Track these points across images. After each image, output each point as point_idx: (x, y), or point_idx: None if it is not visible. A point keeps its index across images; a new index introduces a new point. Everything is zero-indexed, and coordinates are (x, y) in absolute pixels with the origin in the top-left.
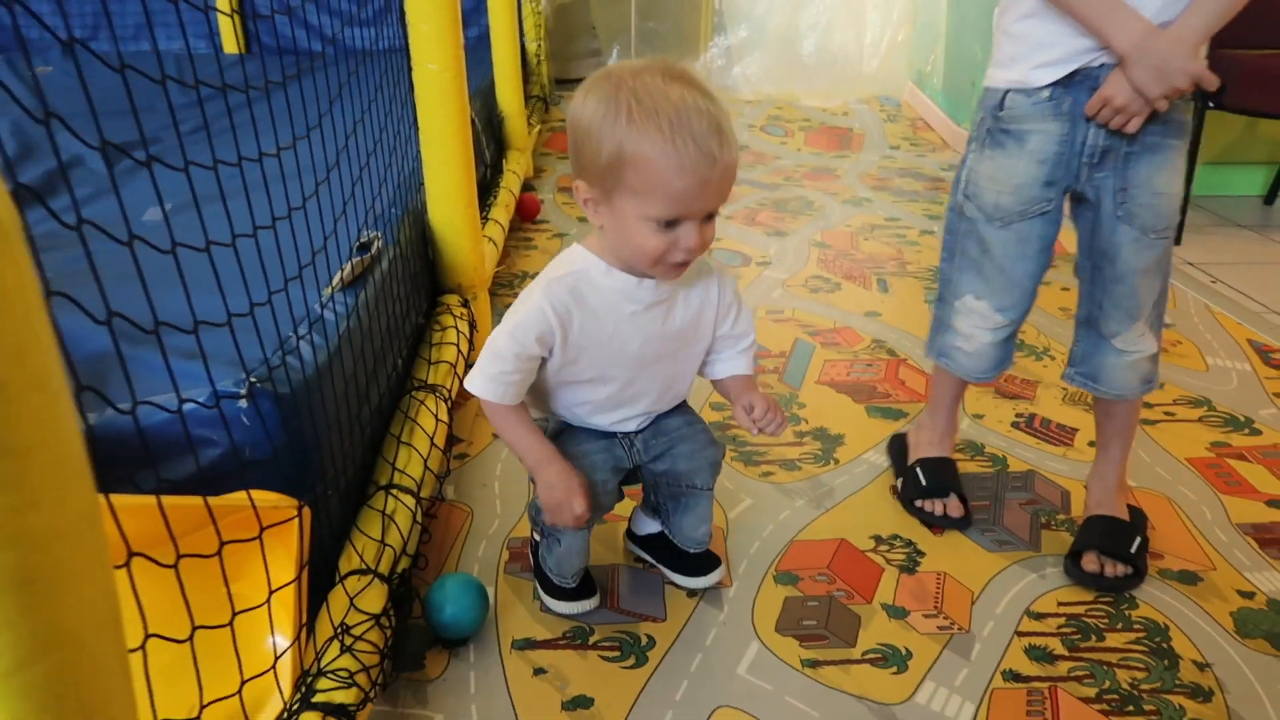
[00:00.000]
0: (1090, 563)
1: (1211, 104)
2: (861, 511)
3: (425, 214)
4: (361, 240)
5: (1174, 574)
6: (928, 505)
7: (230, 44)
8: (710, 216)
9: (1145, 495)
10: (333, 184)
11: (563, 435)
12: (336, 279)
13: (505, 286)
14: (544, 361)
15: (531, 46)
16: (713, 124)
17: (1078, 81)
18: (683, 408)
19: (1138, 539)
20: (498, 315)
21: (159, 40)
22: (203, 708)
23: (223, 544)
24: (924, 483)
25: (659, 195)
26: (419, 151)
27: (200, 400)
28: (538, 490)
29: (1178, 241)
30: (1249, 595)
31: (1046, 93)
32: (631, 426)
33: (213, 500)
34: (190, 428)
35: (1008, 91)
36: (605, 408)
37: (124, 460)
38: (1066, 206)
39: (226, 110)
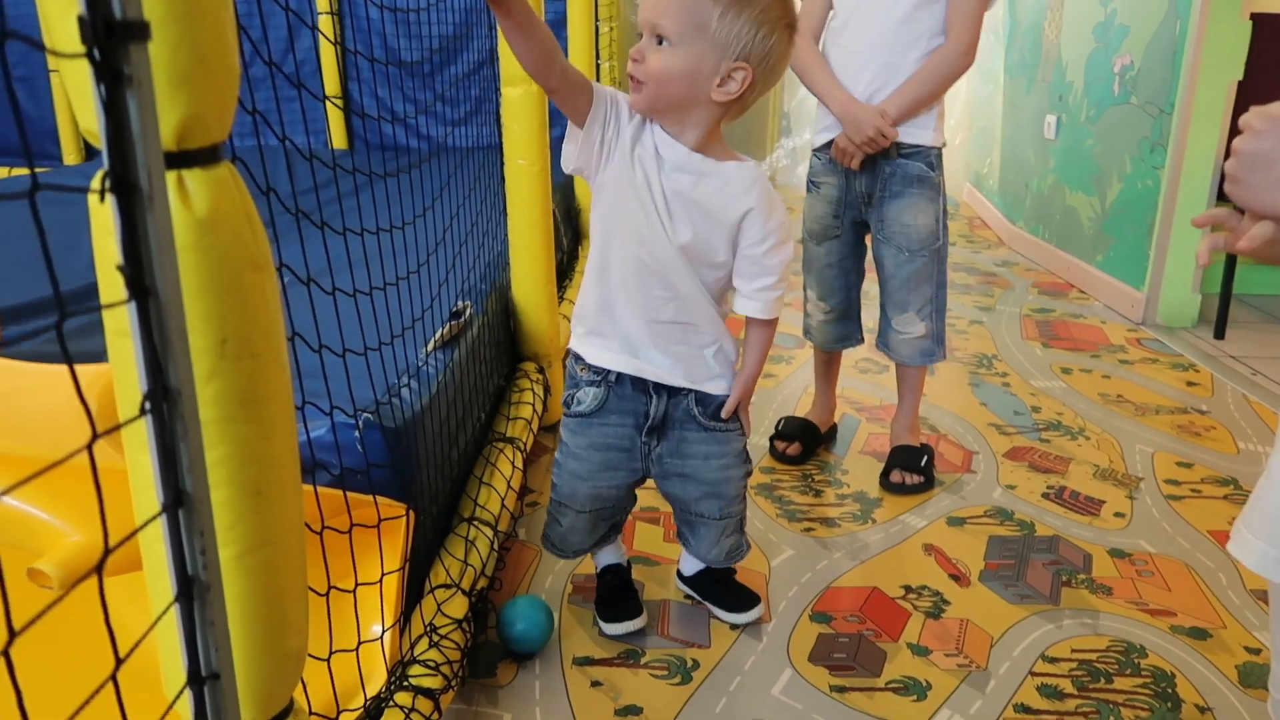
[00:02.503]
0: (895, 476)
1: None
2: (894, 565)
3: (510, 290)
4: (456, 308)
5: (1185, 630)
6: (779, 445)
7: (337, 140)
8: (660, 41)
9: (1164, 561)
10: (433, 260)
11: (588, 431)
12: (435, 338)
13: None
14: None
15: None
16: None
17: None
18: (714, 436)
19: (925, 458)
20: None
21: (271, 136)
22: (330, 654)
23: (352, 525)
24: (779, 428)
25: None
26: (506, 235)
27: (346, 420)
28: None
29: (1220, 335)
30: (1255, 651)
31: (826, 155)
32: (659, 363)
33: (340, 495)
34: (315, 452)
35: (812, 154)
36: (629, 285)
37: None
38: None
39: (337, 196)
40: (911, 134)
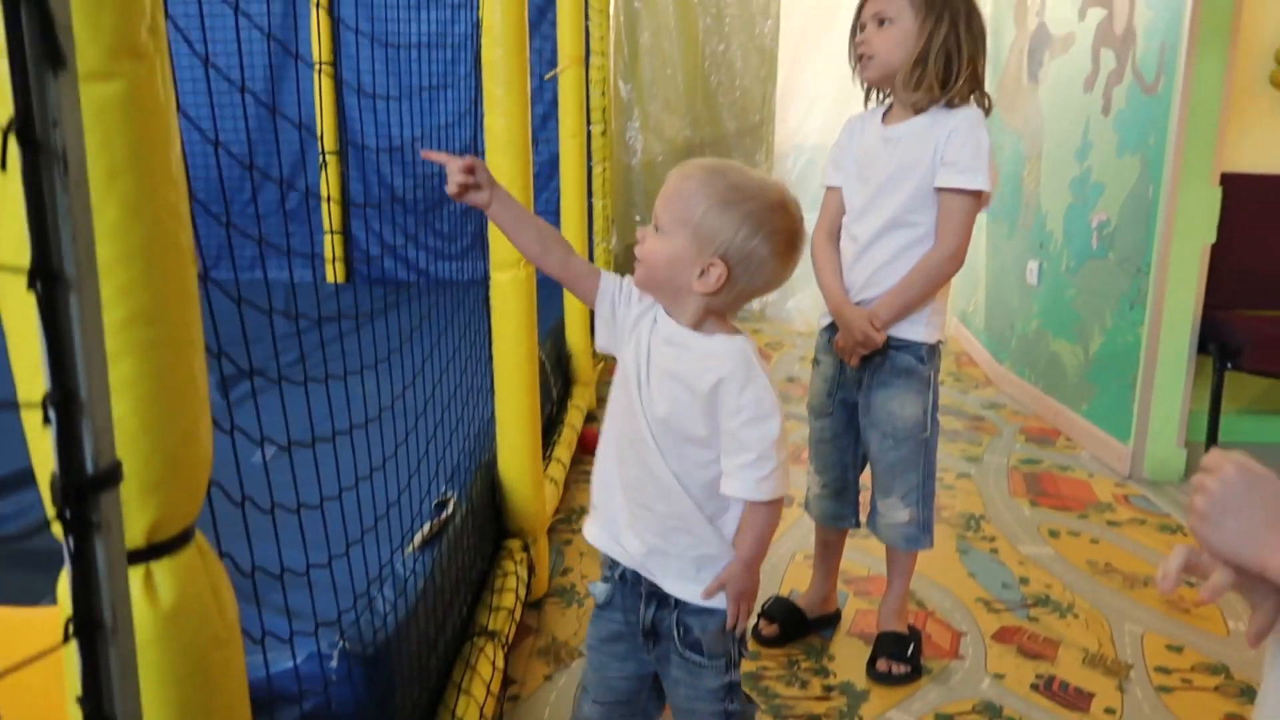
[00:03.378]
0: (881, 665)
1: (1230, 365)
2: None
3: (495, 465)
4: (439, 499)
5: None
6: (760, 624)
7: (332, 274)
8: (657, 227)
9: None
10: (415, 439)
11: (598, 623)
12: (417, 539)
13: (564, 522)
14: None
15: None
16: (686, 164)
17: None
18: (687, 665)
19: (911, 646)
20: (555, 555)
21: (271, 269)
22: None
23: None
24: (765, 608)
25: None
26: (494, 411)
27: (302, 659)
28: None
29: None
30: None
31: (826, 335)
32: (633, 548)
33: None
34: (283, 684)
35: (819, 332)
36: (617, 460)
37: None
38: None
39: (326, 342)
40: (902, 330)
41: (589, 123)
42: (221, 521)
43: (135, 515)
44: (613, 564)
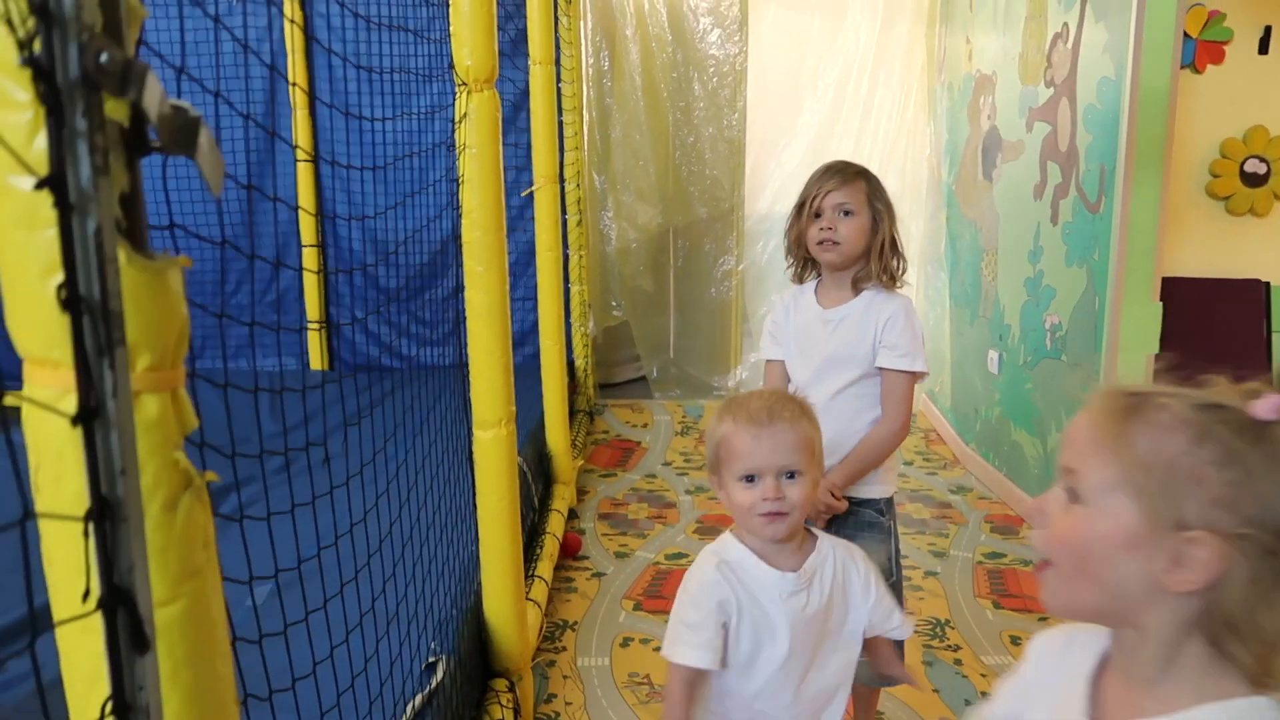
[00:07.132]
0: None
1: None
2: None
3: (481, 606)
4: (428, 662)
5: None
6: None
7: (316, 361)
8: (791, 475)
9: None
10: (407, 607)
11: None
12: (408, 710)
13: (547, 640)
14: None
15: (580, 363)
16: (766, 406)
17: None
18: None
19: None
20: (539, 680)
21: (255, 357)
22: None
23: None
24: None
25: (733, 456)
26: (477, 554)
27: None
28: None
29: None
30: None
31: None
32: None
33: None
34: None
35: None
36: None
37: None
38: None
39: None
40: (859, 490)
41: (564, 213)
42: None
43: None
44: None
